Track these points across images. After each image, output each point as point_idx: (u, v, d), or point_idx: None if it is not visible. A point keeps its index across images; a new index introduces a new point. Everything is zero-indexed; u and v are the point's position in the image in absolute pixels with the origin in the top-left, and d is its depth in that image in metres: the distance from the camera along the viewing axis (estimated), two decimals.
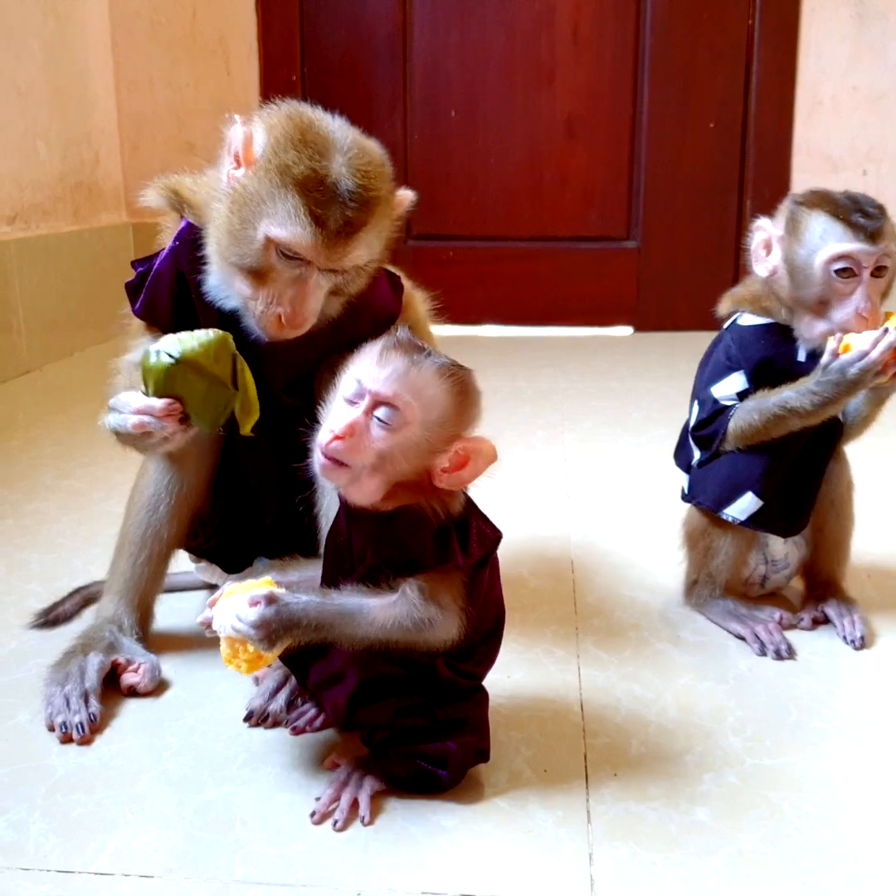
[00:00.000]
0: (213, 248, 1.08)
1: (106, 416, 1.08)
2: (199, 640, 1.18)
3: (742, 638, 1.29)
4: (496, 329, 3.50)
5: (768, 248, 1.29)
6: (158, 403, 1.02)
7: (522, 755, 1.03)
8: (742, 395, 1.28)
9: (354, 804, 0.93)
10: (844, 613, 1.32)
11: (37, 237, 2.84)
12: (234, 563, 1.29)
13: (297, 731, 1.06)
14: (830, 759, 1.03)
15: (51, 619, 1.33)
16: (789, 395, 1.23)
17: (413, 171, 3.40)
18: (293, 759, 1.02)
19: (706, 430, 1.30)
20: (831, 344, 1.20)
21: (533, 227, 3.50)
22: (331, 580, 0.96)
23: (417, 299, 1.25)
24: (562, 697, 1.15)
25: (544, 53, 3.38)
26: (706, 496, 1.32)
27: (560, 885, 0.85)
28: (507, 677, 1.18)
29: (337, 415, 0.90)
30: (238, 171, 1.04)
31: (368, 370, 0.90)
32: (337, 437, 0.88)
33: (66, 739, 1.05)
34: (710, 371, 1.32)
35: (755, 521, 1.29)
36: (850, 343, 1.20)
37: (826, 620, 1.33)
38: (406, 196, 1.11)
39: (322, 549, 1.05)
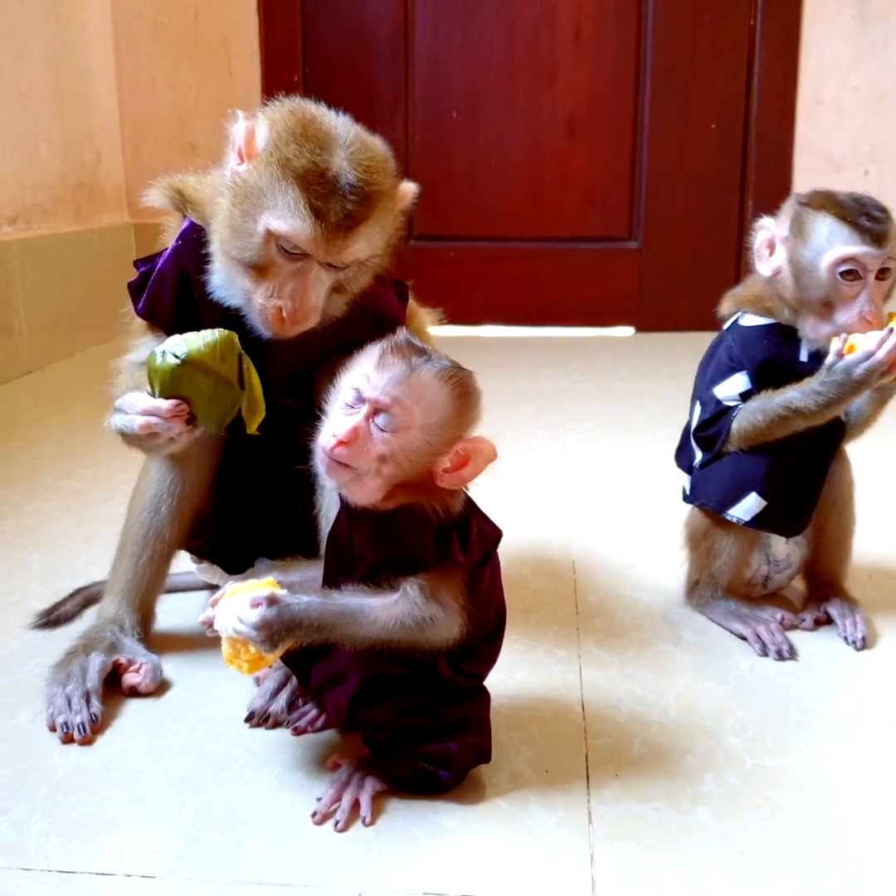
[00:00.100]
0: (217, 244, 1.08)
1: (112, 417, 1.08)
2: (201, 641, 1.18)
3: (744, 638, 1.29)
4: (497, 329, 3.49)
5: (771, 247, 1.28)
6: (165, 404, 1.02)
7: (524, 755, 1.03)
8: (745, 396, 1.28)
9: (356, 804, 0.93)
10: (846, 614, 1.32)
11: (38, 238, 2.84)
12: (236, 563, 1.29)
13: (298, 732, 1.06)
14: (832, 759, 1.03)
15: (52, 619, 1.33)
16: (794, 395, 1.23)
17: (414, 172, 3.38)
18: (294, 759, 1.02)
19: (709, 430, 1.30)
20: (836, 344, 1.20)
21: (534, 227, 3.49)
22: (332, 580, 0.96)
23: (421, 312, 1.26)
24: (563, 698, 1.15)
25: (545, 53, 3.38)
26: (709, 497, 1.31)
27: (561, 885, 0.85)
28: (509, 678, 1.18)
29: (339, 419, 0.90)
30: (240, 166, 1.04)
31: (368, 375, 0.90)
32: (341, 443, 0.88)
33: (68, 740, 1.05)
34: (712, 372, 1.31)
35: (759, 522, 1.29)
36: (855, 343, 1.19)
37: (828, 621, 1.33)
38: (409, 189, 1.10)
39: (323, 550, 1.05)
